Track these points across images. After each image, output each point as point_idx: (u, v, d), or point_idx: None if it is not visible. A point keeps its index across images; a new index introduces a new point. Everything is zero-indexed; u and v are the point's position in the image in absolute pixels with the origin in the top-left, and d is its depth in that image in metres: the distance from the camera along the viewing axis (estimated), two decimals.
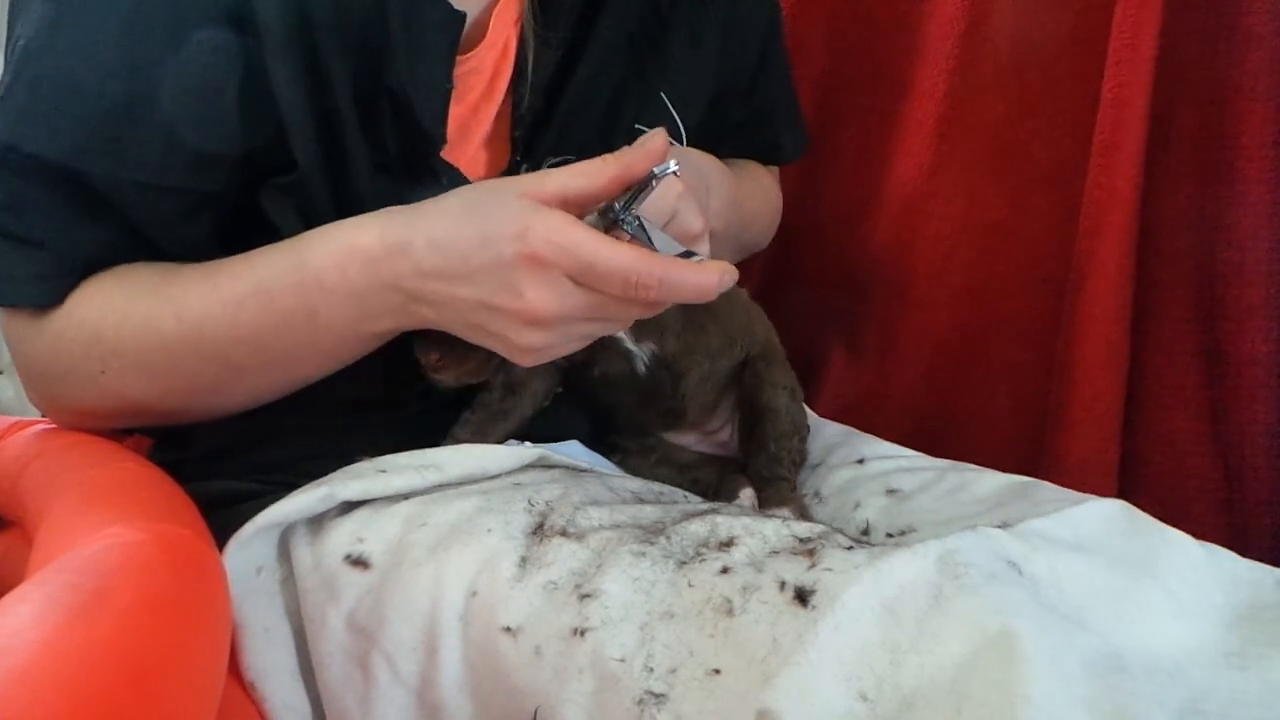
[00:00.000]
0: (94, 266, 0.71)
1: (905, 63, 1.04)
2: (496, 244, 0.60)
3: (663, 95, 0.86)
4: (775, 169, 1.06)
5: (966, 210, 1.01)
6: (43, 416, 0.78)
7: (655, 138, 0.63)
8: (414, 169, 0.73)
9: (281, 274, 0.67)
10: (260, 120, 0.69)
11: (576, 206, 0.63)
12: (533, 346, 0.63)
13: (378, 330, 0.68)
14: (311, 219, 0.69)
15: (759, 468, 0.80)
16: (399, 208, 0.66)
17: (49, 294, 0.70)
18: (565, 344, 0.65)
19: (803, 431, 0.83)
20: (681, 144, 0.86)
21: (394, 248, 0.63)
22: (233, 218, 0.73)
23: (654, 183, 0.61)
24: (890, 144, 1.06)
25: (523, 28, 0.80)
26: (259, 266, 0.68)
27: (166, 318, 0.68)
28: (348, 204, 0.70)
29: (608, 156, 0.62)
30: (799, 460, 0.82)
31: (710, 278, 0.60)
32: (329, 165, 0.71)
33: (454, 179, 0.75)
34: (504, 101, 0.80)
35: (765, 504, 0.77)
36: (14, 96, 0.67)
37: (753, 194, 0.97)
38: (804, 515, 0.77)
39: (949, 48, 1.00)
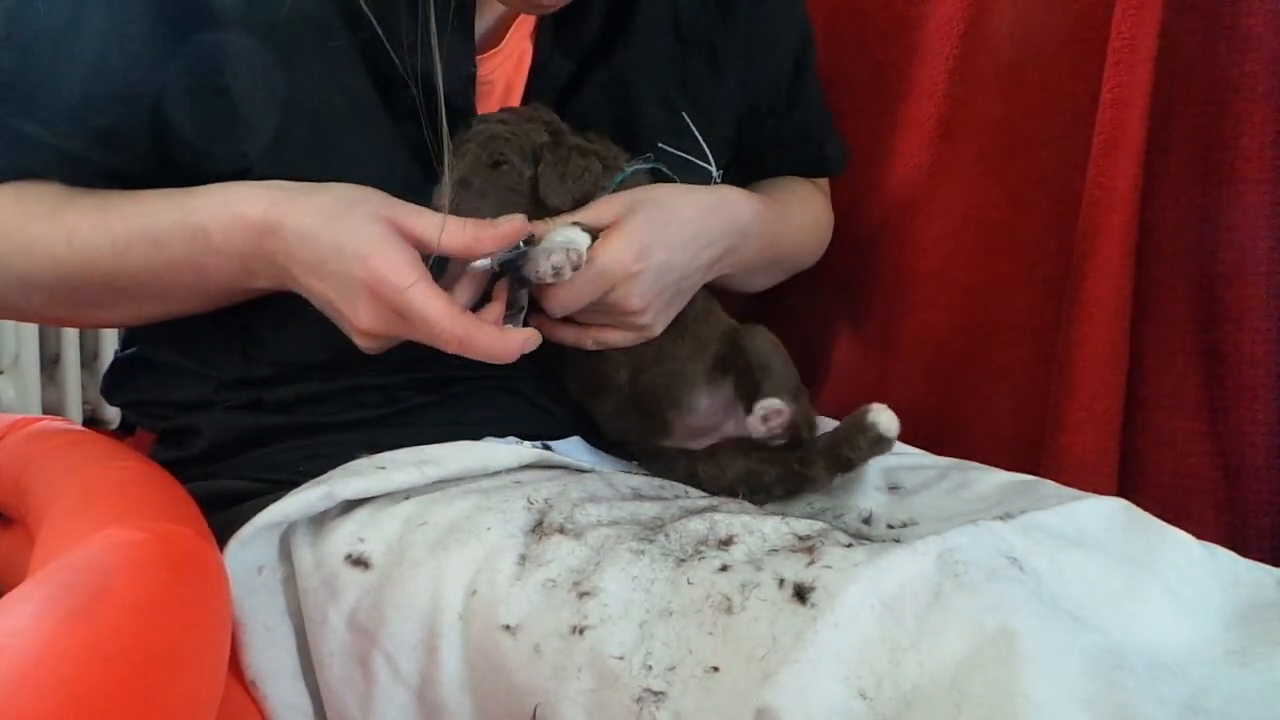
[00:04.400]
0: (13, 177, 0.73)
1: (905, 62, 1.04)
2: (346, 260, 0.66)
3: (684, 116, 0.86)
4: (824, 182, 1.04)
5: (966, 210, 1.00)
6: None
7: (511, 221, 0.68)
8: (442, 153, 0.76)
9: (169, 227, 0.70)
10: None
11: (424, 249, 0.68)
12: (364, 347, 0.70)
13: (259, 286, 0.72)
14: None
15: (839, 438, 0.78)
16: (291, 185, 0.70)
17: None
18: (390, 346, 0.70)
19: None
20: (709, 163, 0.87)
21: (274, 226, 0.68)
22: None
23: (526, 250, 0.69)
24: (890, 144, 1.05)
25: (537, 42, 0.81)
26: (148, 213, 0.71)
27: (59, 242, 0.71)
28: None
29: (468, 222, 0.68)
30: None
31: (511, 344, 0.68)
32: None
33: None
34: None
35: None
36: None
37: (798, 226, 0.96)
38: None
39: (948, 48, 1.00)
